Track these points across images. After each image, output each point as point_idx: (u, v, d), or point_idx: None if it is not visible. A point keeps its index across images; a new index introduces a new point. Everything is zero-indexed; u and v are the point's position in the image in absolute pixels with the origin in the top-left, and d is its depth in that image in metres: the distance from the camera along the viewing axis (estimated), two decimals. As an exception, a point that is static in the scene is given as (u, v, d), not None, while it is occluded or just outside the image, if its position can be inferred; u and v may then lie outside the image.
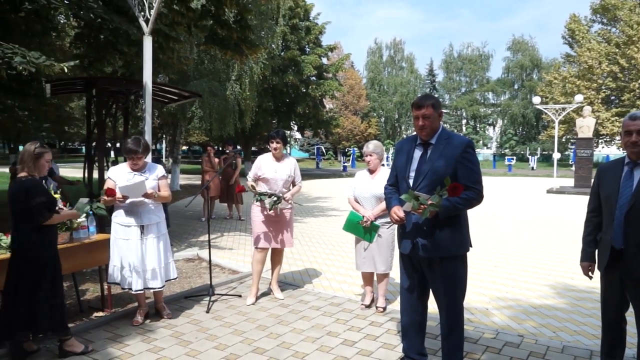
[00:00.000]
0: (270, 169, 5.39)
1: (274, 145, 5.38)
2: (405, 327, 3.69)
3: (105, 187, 4.60)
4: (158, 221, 4.74)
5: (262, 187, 5.40)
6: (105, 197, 4.48)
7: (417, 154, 3.47)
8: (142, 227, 4.63)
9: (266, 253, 5.52)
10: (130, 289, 4.62)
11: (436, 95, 59.48)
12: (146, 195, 4.53)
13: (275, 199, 5.22)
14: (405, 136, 66.11)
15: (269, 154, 5.49)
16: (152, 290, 4.73)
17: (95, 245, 4.82)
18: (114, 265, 4.66)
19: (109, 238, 5.03)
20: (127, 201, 4.53)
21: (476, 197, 3.32)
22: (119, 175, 4.62)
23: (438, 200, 3.17)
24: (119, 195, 4.46)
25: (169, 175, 18.28)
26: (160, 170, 4.83)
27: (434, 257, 3.37)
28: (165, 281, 4.81)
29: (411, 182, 3.43)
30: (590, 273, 3.56)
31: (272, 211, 5.26)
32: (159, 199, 4.71)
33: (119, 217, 4.62)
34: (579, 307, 5.35)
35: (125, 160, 4.76)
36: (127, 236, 4.60)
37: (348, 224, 5.01)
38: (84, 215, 4.65)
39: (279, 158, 5.45)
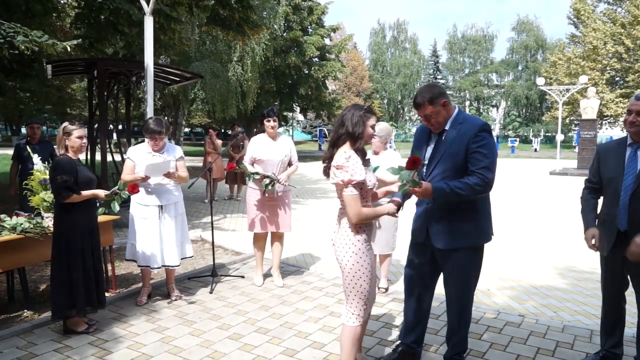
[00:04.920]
0: (266, 150, 5.15)
1: (271, 123, 5.13)
2: (407, 315, 3.57)
3: (125, 173, 4.64)
4: (176, 201, 4.82)
5: (258, 169, 5.14)
6: (126, 177, 4.53)
7: (434, 140, 3.31)
8: (160, 207, 4.70)
9: (265, 236, 5.41)
10: (148, 266, 4.70)
11: (439, 77, 59.10)
12: (167, 175, 4.59)
13: (268, 181, 5.02)
14: (408, 118, 65.94)
15: (263, 134, 5.26)
16: (168, 268, 4.83)
17: (100, 227, 4.85)
18: (131, 243, 4.75)
19: (114, 220, 5.08)
20: (151, 182, 4.58)
21: (480, 184, 3.03)
22: (140, 156, 4.66)
23: (412, 174, 2.95)
24: (141, 174, 4.50)
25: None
26: (178, 151, 4.89)
27: (448, 247, 3.21)
28: (181, 259, 4.90)
29: (424, 169, 3.28)
30: (594, 242, 3.33)
31: (267, 194, 5.11)
32: (178, 180, 4.78)
33: (138, 197, 4.65)
34: (579, 287, 5.38)
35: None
36: (146, 215, 4.67)
37: None
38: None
39: (274, 137, 5.25)
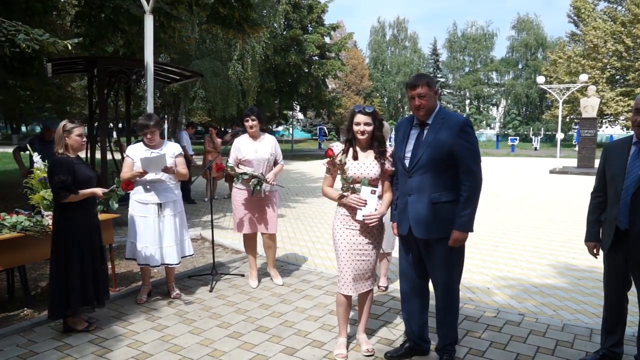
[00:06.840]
0: (251, 150, 5.10)
1: (249, 123, 5.10)
2: (406, 311, 3.63)
3: (124, 171, 4.62)
4: (175, 199, 4.81)
5: (245, 170, 5.07)
6: (125, 174, 4.53)
7: (414, 134, 3.36)
8: (159, 205, 4.69)
9: (255, 237, 5.37)
10: (147, 264, 4.70)
11: (439, 75, 59.11)
12: (166, 170, 4.56)
13: (256, 181, 4.96)
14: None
15: (246, 135, 5.22)
16: (168, 267, 4.83)
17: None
18: (131, 242, 4.74)
19: (114, 218, 5.08)
20: (147, 177, 4.55)
21: (475, 183, 3.18)
22: (137, 154, 4.64)
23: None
24: (139, 169, 4.48)
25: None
26: (177, 148, 4.87)
27: (431, 238, 3.28)
28: (181, 257, 4.90)
29: (407, 162, 3.32)
30: (595, 251, 3.56)
31: (255, 195, 5.04)
32: (178, 176, 4.76)
33: (137, 195, 4.66)
34: (579, 286, 5.38)
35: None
36: (145, 213, 4.66)
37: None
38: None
39: (256, 137, 5.18)
